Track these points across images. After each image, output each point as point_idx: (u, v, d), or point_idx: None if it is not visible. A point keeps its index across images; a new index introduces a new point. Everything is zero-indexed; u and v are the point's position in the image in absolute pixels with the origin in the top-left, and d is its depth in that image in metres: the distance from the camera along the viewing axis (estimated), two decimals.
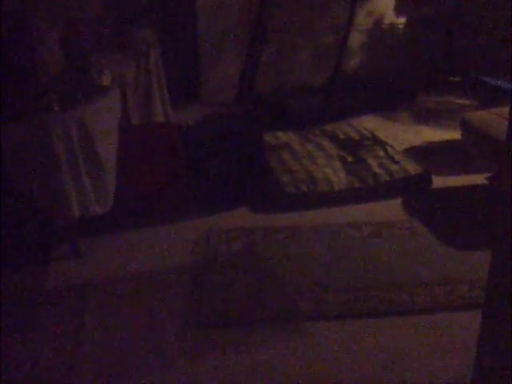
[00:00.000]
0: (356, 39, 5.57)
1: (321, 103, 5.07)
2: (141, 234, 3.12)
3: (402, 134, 4.58)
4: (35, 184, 2.69)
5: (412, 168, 3.66)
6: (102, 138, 2.84)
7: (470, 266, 2.68)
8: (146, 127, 3.81)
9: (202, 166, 3.46)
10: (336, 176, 3.60)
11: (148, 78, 3.94)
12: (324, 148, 4.07)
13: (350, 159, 3.86)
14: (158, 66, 4.06)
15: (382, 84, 5.40)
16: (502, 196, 1.38)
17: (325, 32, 5.49)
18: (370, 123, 4.76)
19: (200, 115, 4.19)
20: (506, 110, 3.55)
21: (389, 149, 3.98)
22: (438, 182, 3.65)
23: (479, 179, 3.63)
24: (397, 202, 3.44)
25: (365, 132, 4.35)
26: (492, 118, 3.54)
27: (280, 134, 4.40)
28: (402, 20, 5.72)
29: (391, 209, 3.36)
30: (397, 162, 3.74)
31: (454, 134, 4.24)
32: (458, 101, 5.35)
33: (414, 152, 4.17)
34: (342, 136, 4.29)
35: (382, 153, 3.92)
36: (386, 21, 5.68)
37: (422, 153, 4.20)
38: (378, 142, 4.14)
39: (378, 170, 3.64)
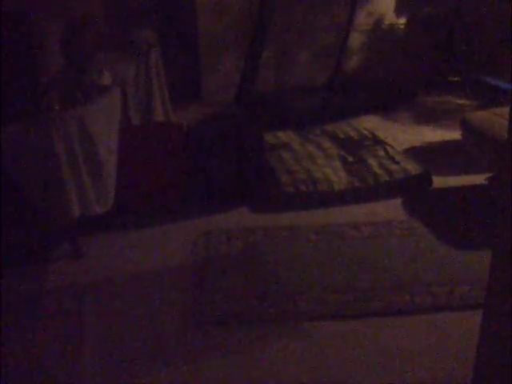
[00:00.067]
0: (356, 39, 5.58)
1: (321, 103, 5.07)
2: (141, 234, 3.12)
3: (402, 134, 4.58)
4: (35, 184, 2.69)
5: (412, 168, 3.66)
6: (102, 138, 2.84)
7: (470, 266, 2.68)
8: (146, 127, 3.81)
9: (202, 165, 3.46)
10: (336, 176, 3.60)
11: (148, 78, 3.94)
12: (324, 148, 4.07)
13: (350, 159, 3.86)
14: (158, 65, 4.06)
15: (382, 84, 5.41)
16: (502, 196, 1.38)
17: (325, 32, 5.49)
18: (370, 123, 4.76)
19: (200, 115, 4.20)
20: (506, 110, 3.55)
21: (389, 149, 3.98)
22: (438, 182, 3.65)
23: (479, 179, 3.63)
24: (397, 202, 3.44)
25: (365, 132, 4.35)
26: (492, 118, 3.54)
27: (280, 133, 4.40)
28: (403, 20, 5.72)
29: (391, 209, 3.36)
30: (397, 162, 3.74)
31: (454, 134, 4.24)
32: (458, 101, 5.35)
33: (414, 152, 4.17)
34: (342, 136, 4.30)
35: (382, 153, 3.92)
36: (386, 21, 5.68)
37: (422, 153, 4.20)
38: (378, 142, 4.14)
39: (378, 170, 3.64)
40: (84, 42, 3.33)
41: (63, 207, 2.72)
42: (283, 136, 4.35)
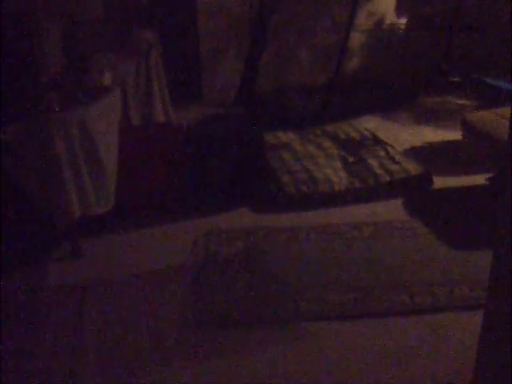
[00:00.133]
0: (356, 39, 5.57)
1: (321, 103, 5.06)
2: (141, 234, 3.12)
3: (403, 135, 4.58)
4: (35, 184, 2.69)
5: (412, 168, 3.66)
6: (102, 138, 2.84)
7: (471, 266, 2.68)
8: (146, 127, 3.80)
9: (202, 166, 3.46)
10: (336, 176, 3.60)
11: (148, 78, 3.94)
12: (324, 148, 4.07)
13: (350, 159, 3.86)
14: (158, 65, 4.05)
15: (382, 84, 5.40)
16: (502, 196, 1.38)
17: (325, 32, 5.48)
18: (370, 123, 4.76)
19: (200, 115, 4.19)
20: (506, 110, 3.55)
21: (389, 149, 3.98)
22: (439, 182, 3.65)
23: (479, 179, 3.63)
24: (397, 203, 3.44)
25: (365, 132, 4.35)
26: (492, 119, 3.54)
27: (280, 134, 4.40)
28: (403, 20, 5.71)
29: (392, 209, 3.36)
30: (397, 163, 3.74)
31: (455, 135, 4.24)
32: (459, 101, 5.34)
33: (414, 152, 4.17)
34: (342, 136, 4.30)
35: (382, 153, 3.92)
36: (387, 21, 5.67)
37: (423, 153, 4.20)
38: (379, 142, 4.14)
39: (378, 171, 3.64)
40: (84, 41, 3.33)
41: (63, 207, 2.72)
42: (283, 136, 4.35)
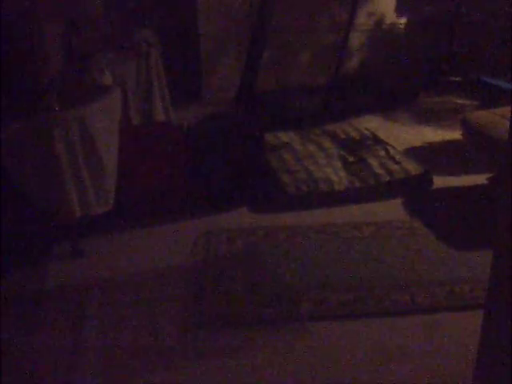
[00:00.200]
0: (356, 39, 5.57)
1: (321, 103, 5.06)
2: (141, 234, 3.12)
3: (403, 134, 4.58)
4: (35, 184, 2.69)
5: (413, 168, 3.66)
6: (102, 138, 2.84)
7: (470, 266, 2.68)
8: (146, 127, 3.81)
9: (202, 166, 3.46)
10: (337, 176, 3.60)
11: (148, 78, 3.94)
12: (325, 148, 4.07)
13: (350, 159, 3.86)
14: (158, 65, 4.06)
15: (382, 84, 5.40)
16: (502, 196, 1.37)
17: (325, 32, 5.48)
18: (370, 123, 4.76)
19: (200, 115, 4.20)
20: (506, 110, 3.55)
21: (389, 149, 3.98)
22: (439, 182, 3.64)
23: (479, 179, 3.63)
24: (397, 202, 3.44)
25: (365, 132, 4.35)
26: (493, 118, 3.54)
27: (280, 133, 4.40)
28: (403, 20, 5.72)
29: (392, 209, 3.36)
30: (397, 162, 3.74)
31: (455, 134, 4.24)
32: (459, 101, 5.34)
33: (414, 152, 4.16)
34: (342, 136, 4.30)
35: (382, 153, 3.92)
36: (387, 21, 5.68)
37: (423, 153, 4.20)
38: (379, 142, 4.14)
39: (378, 170, 3.64)
40: (84, 41, 3.33)
41: (64, 207, 2.72)
42: (284, 136, 4.35)
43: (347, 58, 5.45)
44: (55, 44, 3.12)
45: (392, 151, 3.94)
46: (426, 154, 4.17)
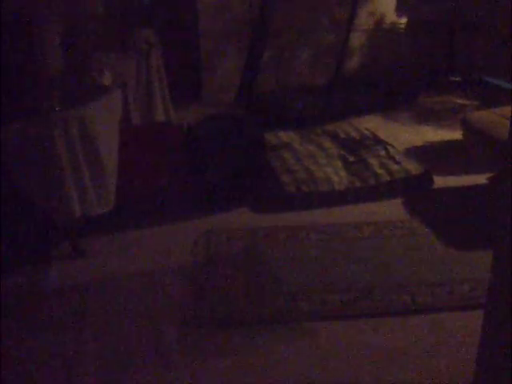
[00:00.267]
0: (357, 39, 5.57)
1: (322, 103, 5.06)
2: (141, 233, 3.12)
3: (403, 134, 4.58)
4: (36, 184, 2.69)
5: (413, 168, 3.66)
6: (102, 138, 2.84)
7: (471, 266, 2.68)
8: (146, 127, 3.81)
9: (202, 166, 3.46)
10: (337, 176, 3.60)
11: (149, 78, 3.94)
12: (325, 148, 4.07)
13: (350, 159, 3.86)
14: (158, 65, 4.06)
15: (382, 84, 5.40)
16: (502, 196, 1.38)
17: (325, 32, 5.49)
18: (370, 123, 4.76)
19: (200, 115, 4.20)
20: (506, 109, 3.55)
21: (390, 149, 3.98)
22: (439, 182, 3.65)
23: (480, 179, 3.63)
24: (397, 202, 3.44)
25: (366, 132, 4.35)
26: (493, 118, 3.54)
27: (281, 133, 4.40)
28: (403, 20, 5.72)
29: (392, 209, 3.36)
30: (398, 162, 3.74)
31: (455, 134, 4.24)
32: (459, 101, 5.34)
33: (414, 152, 4.17)
34: (342, 136, 4.30)
35: (383, 153, 3.92)
36: (387, 21, 5.68)
37: (423, 153, 4.20)
38: (379, 141, 4.14)
39: (378, 170, 3.64)
40: (84, 41, 3.33)
41: (64, 207, 2.72)
42: (284, 136, 4.35)
43: (347, 57, 5.45)
44: (55, 44, 3.12)
45: (392, 151, 3.94)
46: (426, 154, 4.17)
